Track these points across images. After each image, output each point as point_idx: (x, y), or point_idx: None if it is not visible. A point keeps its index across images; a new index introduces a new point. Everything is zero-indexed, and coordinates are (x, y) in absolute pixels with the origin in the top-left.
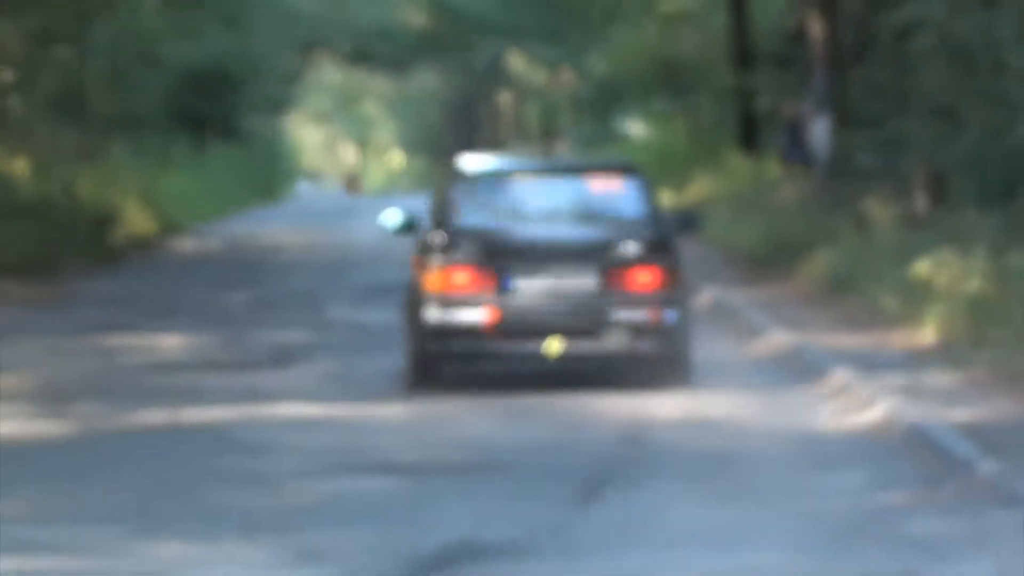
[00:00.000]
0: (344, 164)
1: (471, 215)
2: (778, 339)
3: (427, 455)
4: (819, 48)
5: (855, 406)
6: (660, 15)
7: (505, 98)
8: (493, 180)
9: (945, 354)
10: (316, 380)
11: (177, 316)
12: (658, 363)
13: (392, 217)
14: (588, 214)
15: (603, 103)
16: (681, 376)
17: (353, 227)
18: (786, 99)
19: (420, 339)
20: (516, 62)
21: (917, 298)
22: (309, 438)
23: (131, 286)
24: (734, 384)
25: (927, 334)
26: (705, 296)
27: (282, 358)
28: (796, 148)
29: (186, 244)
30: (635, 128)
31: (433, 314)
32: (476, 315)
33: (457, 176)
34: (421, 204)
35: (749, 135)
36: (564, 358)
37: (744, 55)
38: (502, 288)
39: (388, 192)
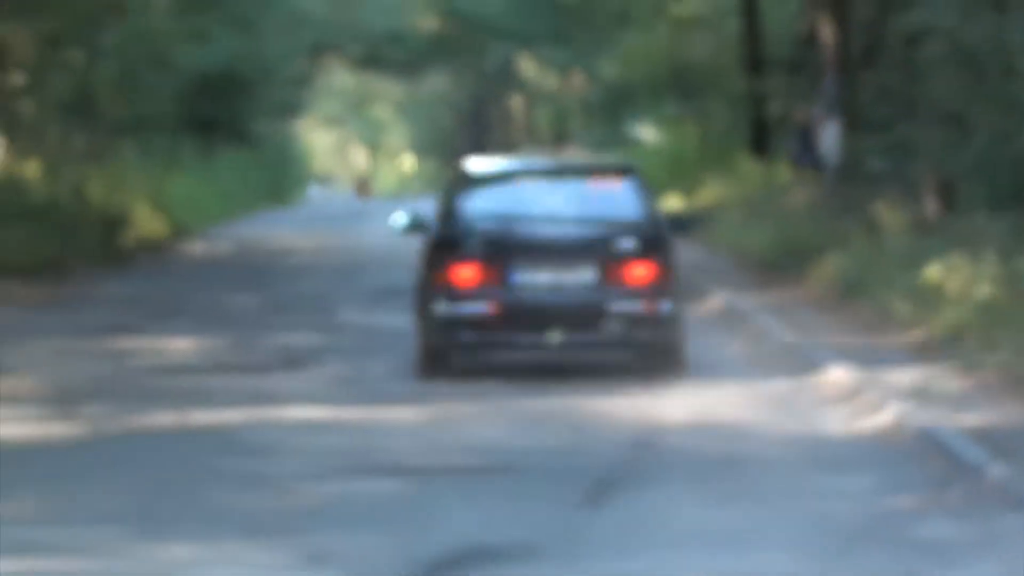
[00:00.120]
0: (355, 168)
1: (477, 214)
2: (788, 343)
3: (435, 458)
4: (830, 53)
5: (865, 410)
6: (671, 19)
7: (516, 102)
8: (497, 181)
9: (955, 358)
10: (325, 383)
11: (186, 318)
12: (653, 352)
13: (399, 218)
14: (587, 212)
15: (614, 107)
16: (675, 364)
17: (363, 230)
18: (797, 104)
19: (429, 330)
20: (527, 66)
21: (927, 302)
22: (317, 441)
23: (140, 288)
24: (743, 387)
25: (937, 338)
26: (716, 300)
27: (291, 361)
28: (807, 152)
29: (195, 247)
30: (646, 132)
31: (441, 307)
32: (482, 308)
33: (463, 177)
34: (430, 206)
35: (760, 139)
36: (565, 347)
37: (755, 60)
38: (506, 282)
39: (399, 196)
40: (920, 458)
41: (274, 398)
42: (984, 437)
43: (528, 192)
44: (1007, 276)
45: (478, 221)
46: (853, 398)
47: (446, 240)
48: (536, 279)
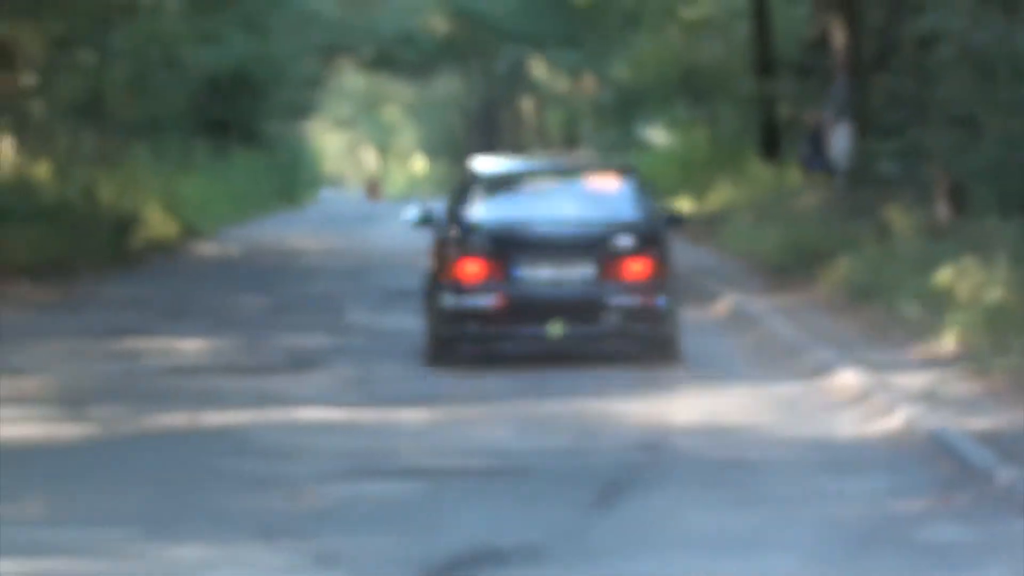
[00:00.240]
0: (366, 169)
1: (483, 211)
2: (797, 346)
3: (443, 460)
4: (840, 56)
5: (874, 413)
6: (682, 22)
7: (527, 104)
8: (503, 180)
9: (965, 362)
10: (334, 384)
11: (196, 319)
12: (650, 343)
13: (412, 213)
14: (588, 211)
15: (625, 110)
16: (670, 354)
17: (373, 232)
18: (807, 107)
19: (438, 322)
20: (538, 68)
21: (938, 306)
22: (326, 442)
23: (150, 289)
24: (752, 390)
25: (947, 342)
26: (725, 303)
27: (301, 362)
28: (817, 156)
29: (206, 248)
30: (657, 135)
31: (449, 300)
32: (487, 301)
33: (470, 176)
34: (441, 206)
35: (770, 143)
36: (565, 339)
37: (766, 63)
38: (510, 277)
39: (409, 197)
40: (929, 462)
41: (283, 399)
42: (993, 441)
43: (532, 191)
44: (1018, 280)
45: (484, 219)
46: (863, 401)
47: (453, 237)
48: (538, 274)
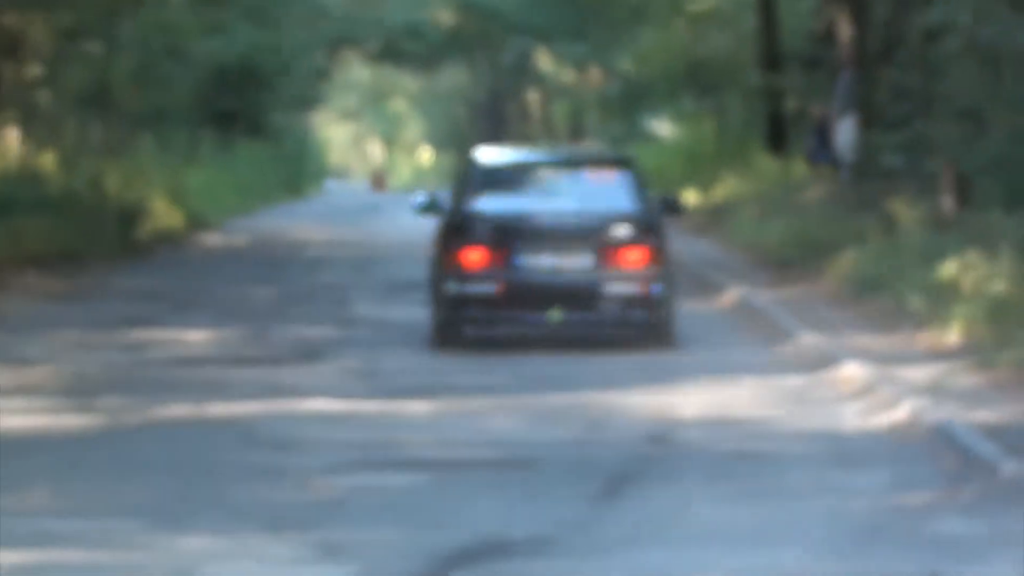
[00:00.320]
0: (371, 161)
1: (485, 201)
2: (803, 339)
3: (451, 452)
4: (846, 49)
5: (879, 406)
6: (688, 14)
7: (533, 97)
8: (505, 170)
9: (970, 355)
10: (341, 376)
11: (203, 310)
12: (646, 330)
13: (418, 199)
14: (586, 201)
15: (631, 102)
16: (666, 340)
17: (378, 224)
18: (813, 100)
19: (442, 307)
20: (544, 60)
21: (943, 299)
22: (333, 433)
23: (157, 280)
24: (757, 382)
25: (952, 335)
26: (731, 295)
27: (307, 353)
28: (823, 149)
29: (212, 239)
30: (663, 128)
31: (452, 286)
32: (489, 287)
33: (473, 166)
34: (446, 195)
35: (776, 135)
36: (564, 325)
37: (772, 56)
38: (511, 265)
39: (415, 189)
40: (934, 454)
41: (290, 391)
42: (998, 433)
43: (533, 181)
44: (1022, 273)
45: (486, 208)
46: (868, 394)
47: (457, 225)
48: (538, 262)
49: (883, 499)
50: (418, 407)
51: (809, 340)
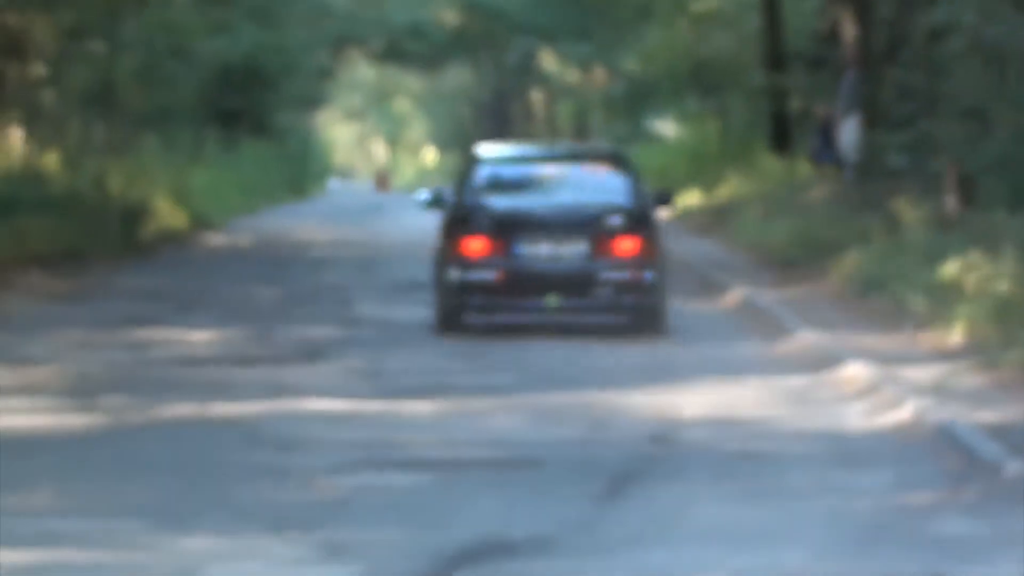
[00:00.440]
0: (375, 161)
1: (486, 194)
2: (807, 339)
3: (454, 451)
4: (851, 49)
5: (883, 406)
6: (692, 15)
7: (537, 96)
8: (505, 165)
9: (973, 355)
10: (344, 376)
11: (206, 310)
12: (638, 315)
13: (423, 195)
14: (582, 193)
15: (635, 102)
16: (657, 325)
17: (382, 224)
18: (817, 100)
19: (445, 294)
20: (548, 60)
21: (946, 299)
22: (337, 433)
23: (160, 280)
24: (761, 382)
25: (956, 335)
26: (734, 295)
27: (311, 353)
28: (827, 148)
29: (216, 239)
30: (667, 127)
31: (454, 274)
32: (489, 275)
33: (475, 161)
34: (450, 191)
35: (780, 135)
36: (561, 310)
37: (776, 55)
38: (510, 253)
39: (418, 189)
40: (937, 454)
41: (294, 390)
42: (1002, 434)
43: (531, 175)
44: None
45: (487, 200)
46: (871, 394)
47: (459, 217)
48: (536, 251)
49: (886, 499)
50: (421, 407)
51: (813, 340)
